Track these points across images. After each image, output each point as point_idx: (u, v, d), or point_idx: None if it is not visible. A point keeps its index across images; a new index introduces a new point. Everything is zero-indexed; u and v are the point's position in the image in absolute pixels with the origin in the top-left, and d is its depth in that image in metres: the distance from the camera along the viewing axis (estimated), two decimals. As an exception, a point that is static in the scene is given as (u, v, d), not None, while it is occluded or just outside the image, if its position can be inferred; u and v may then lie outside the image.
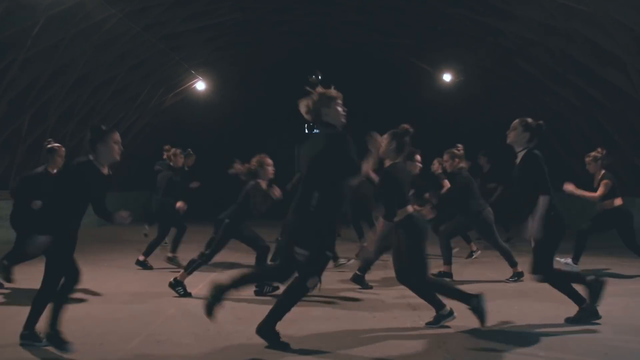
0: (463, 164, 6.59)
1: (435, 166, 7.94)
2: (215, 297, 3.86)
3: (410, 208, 4.58)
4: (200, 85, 15.07)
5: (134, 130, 14.65)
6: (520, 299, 5.52)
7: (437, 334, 4.29)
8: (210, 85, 15.24)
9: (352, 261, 7.38)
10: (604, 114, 9.83)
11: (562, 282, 4.55)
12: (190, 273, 5.66)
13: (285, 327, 3.96)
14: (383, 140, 4.70)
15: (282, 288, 4.42)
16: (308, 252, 3.75)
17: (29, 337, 3.82)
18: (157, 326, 4.53)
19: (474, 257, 7.76)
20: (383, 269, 6.84)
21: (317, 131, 4.05)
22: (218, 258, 6.14)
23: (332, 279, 6.38)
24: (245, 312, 4.89)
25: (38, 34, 8.36)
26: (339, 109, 3.99)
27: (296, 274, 3.90)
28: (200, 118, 17.63)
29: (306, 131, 25.91)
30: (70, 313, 4.11)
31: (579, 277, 4.69)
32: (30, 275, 5.49)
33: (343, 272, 6.88)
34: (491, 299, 4.73)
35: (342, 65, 15.74)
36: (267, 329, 3.82)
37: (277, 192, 5.88)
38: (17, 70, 8.79)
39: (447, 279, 6.38)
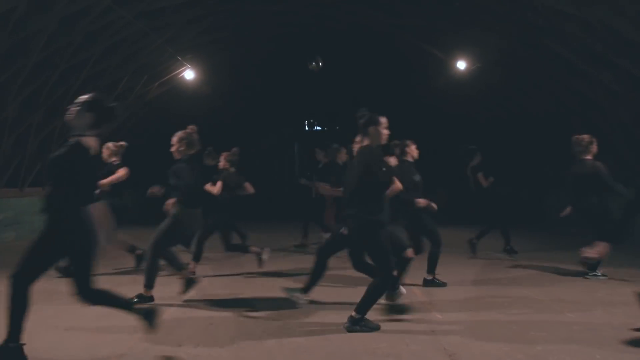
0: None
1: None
2: None
3: None
4: (188, 74, 13.69)
5: (116, 121, 13.24)
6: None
7: None
8: (200, 74, 13.86)
9: None
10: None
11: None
12: None
13: None
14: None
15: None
16: None
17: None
18: None
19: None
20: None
21: None
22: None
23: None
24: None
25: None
26: None
27: None
28: (190, 111, 16.24)
29: (306, 128, 24.51)
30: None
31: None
32: None
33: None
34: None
35: (344, 51, 14.31)
36: None
37: None
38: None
39: None
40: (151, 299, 5.08)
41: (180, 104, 15.59)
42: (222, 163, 6.87)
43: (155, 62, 12.23)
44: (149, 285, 5.11)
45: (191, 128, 5.33)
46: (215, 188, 6.58)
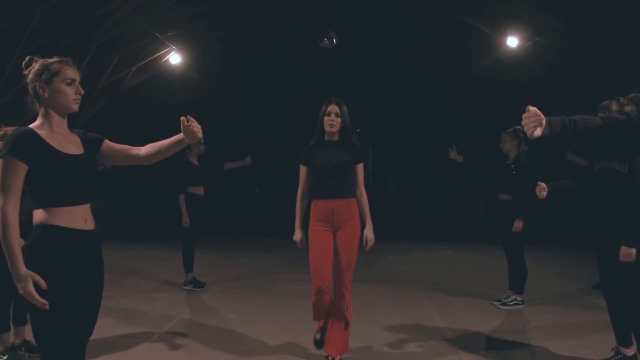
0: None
1: None
2: None
3: None
4: (174, 59, 11.27)
5: (83, 118, 10.85)
6: None
7: None
8: (190, 59, 11.45)
9: None
10: None
11: None
12: None
13: None
14: None
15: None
16: None
17: None
18: None
19: None
20: None
21: None
22: None
23: None
24: None
25: None
26: None
27: None
28: (187, 103, 13.87)
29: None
30: None
31: None
32: None
33: None
34: None
35: (365, 25, 11.64)
36: None
37: None
38: None
39: None
40: None
41: (171, 94, 13.25)
42: None
43: (127, 39, 9.78)
44: None
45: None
46: None
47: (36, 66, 2.21)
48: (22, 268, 1.99)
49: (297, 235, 3.78)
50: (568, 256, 9.18)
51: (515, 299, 5.36)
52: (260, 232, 13.73)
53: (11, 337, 3.74)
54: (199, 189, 6.15)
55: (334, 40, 10.33)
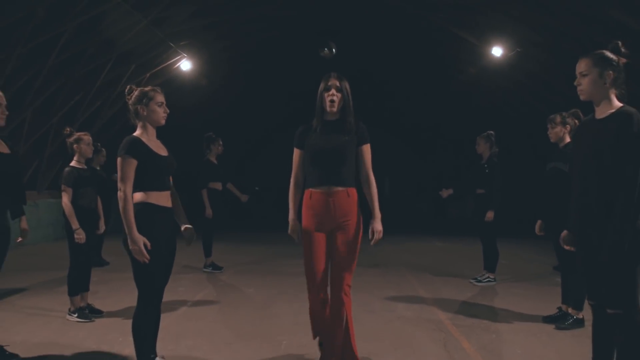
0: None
1: None
2: None
3: None
4: (185, 65, 12.18)
5: (101, 120, 11.73)
6: None
7: None
8: (199, 65, 12.35)
9: None
10: None
11: None
12: None
13: None
14: None
15: None
16: None
17: None
18: None
19: None
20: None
21: None
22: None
23: None
24: None
25: None
26: None
27: None
28: (194, 106, 14.74)
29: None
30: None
31: None
32: None
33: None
34: None
35: (361, 35, 12.60)
36: None
37: None
38: None
39: None
40: None
41: (180, 98, 14.13)
42: None
43: (143, 49, 10.68)
44: None
45: None
46: None
47: (136, 93, 3.15)
48: (136, 233, 2.92)
49: (292, 228, 3.31)
50: (536, 244, 10.05)
51: (488, 277, 6.31)
52: (262, 227, 14.60)
53: (79, 300, 4.67)
54: (217, 184, 7.06)
55: (334, 50, 11.26)
